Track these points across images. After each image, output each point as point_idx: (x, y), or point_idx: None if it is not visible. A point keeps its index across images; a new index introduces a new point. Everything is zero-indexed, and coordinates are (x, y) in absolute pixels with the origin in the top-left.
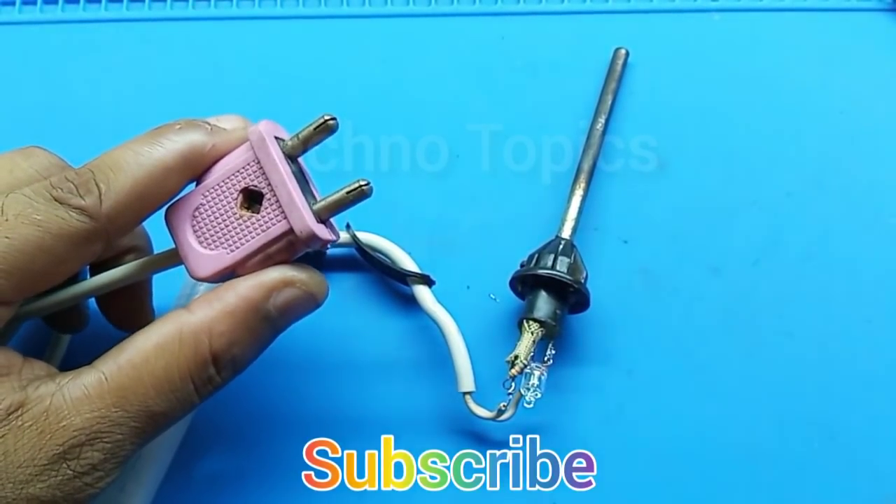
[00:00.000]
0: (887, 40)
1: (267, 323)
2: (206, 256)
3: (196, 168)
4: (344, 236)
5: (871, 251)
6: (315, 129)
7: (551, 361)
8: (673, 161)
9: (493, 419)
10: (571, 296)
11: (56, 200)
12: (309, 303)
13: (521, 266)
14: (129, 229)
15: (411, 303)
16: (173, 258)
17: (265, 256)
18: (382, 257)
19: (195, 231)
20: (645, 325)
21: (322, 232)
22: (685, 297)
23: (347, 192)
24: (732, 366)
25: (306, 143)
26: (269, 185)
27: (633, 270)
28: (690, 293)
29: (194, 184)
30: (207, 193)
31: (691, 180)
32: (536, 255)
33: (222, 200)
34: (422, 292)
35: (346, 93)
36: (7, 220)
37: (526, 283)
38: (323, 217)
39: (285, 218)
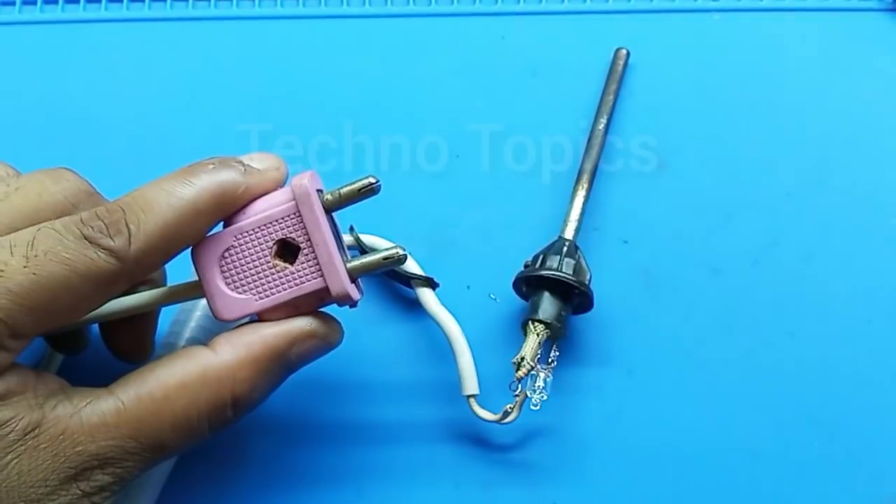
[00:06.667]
0: (887, 40)
1: (285, 369)
2: (233, 299)
3: (228, 210)
4: (347, 239)
5: (871, 251)
6: (359, 190)
7: (555, 363)
8: (673, 161)
9: (498, 422)
10: (576, 297)
11: (86, 239)
12: (326, 350)
13: (525, 267)
14: (154, 270)
15: (414, 305)
16: (197, 289)
17: (293, 307)
18: None
19: (223, 272)
20: (645, 325)
21: (353, 292)
22: (685, 297)
23: (384, 259)
24: (732, 366)
25: (346, 201)
26: (309, 241)
27: (633, 270)
28: (690, 293)
29: (222, 222)
30: (241, 237)
31: (691, 180)
32: (541, 256)
33: (256, 247)
34: (425, 295)
35: (346, 93)
36: (36, 255)
37: (530, 283)
38: (353, 277)
39: (321, 276)
